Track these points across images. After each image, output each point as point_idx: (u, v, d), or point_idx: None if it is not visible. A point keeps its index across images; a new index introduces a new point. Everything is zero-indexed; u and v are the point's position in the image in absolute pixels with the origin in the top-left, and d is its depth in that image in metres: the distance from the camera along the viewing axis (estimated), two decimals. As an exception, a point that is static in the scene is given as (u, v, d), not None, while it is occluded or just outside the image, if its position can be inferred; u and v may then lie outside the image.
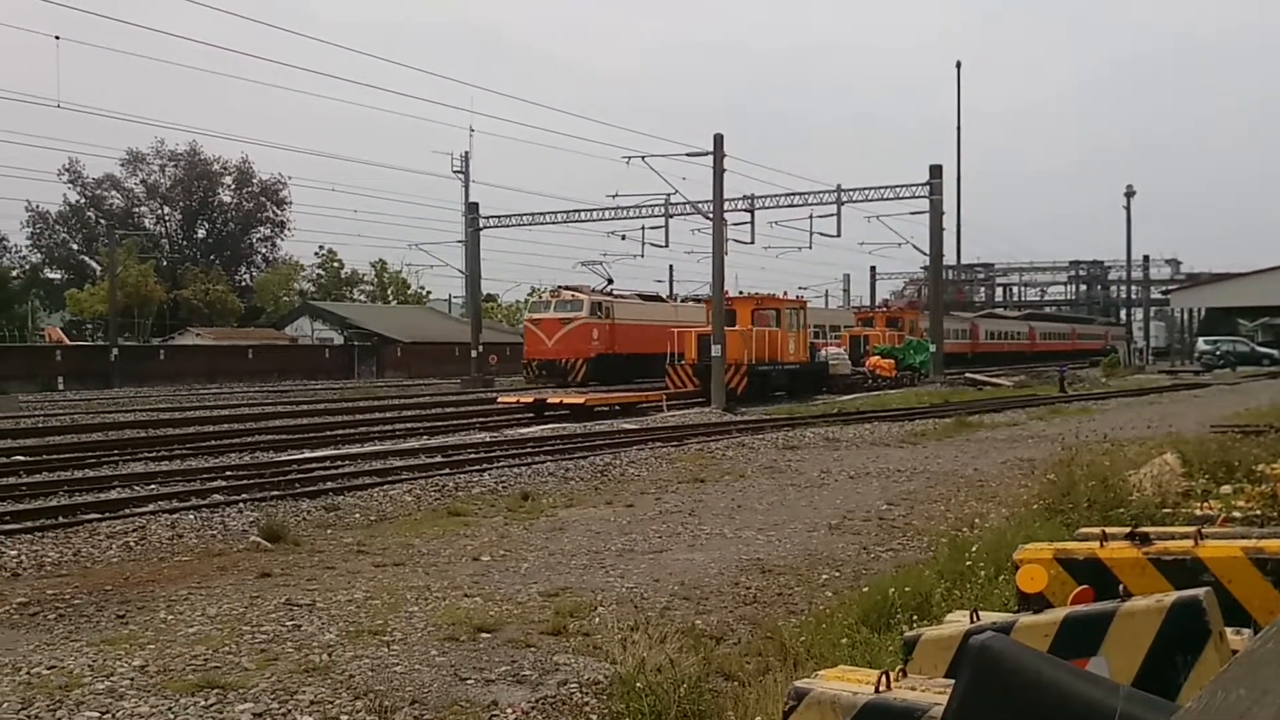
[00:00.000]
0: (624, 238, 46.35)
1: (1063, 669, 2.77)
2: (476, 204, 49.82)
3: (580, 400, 27.06)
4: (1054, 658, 2.94)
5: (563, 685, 5.84)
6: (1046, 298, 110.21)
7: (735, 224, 38.21)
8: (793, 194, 42.53)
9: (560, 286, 43.46)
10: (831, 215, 42.58)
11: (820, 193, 42.58)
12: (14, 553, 9.60)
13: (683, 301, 50.02)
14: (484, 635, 6.80)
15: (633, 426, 22.97)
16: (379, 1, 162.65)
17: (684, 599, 7.80)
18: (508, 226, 48.63)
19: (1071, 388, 37.67)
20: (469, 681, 5.91)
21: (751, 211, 40.80)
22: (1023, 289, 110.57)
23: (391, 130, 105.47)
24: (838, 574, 8.70)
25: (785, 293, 37.86)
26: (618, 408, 27.94)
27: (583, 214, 46.21)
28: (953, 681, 2.90)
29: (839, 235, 42.98)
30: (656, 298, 47.59)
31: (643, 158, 32.77)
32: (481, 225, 48.57)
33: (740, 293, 37.77)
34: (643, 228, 45.03)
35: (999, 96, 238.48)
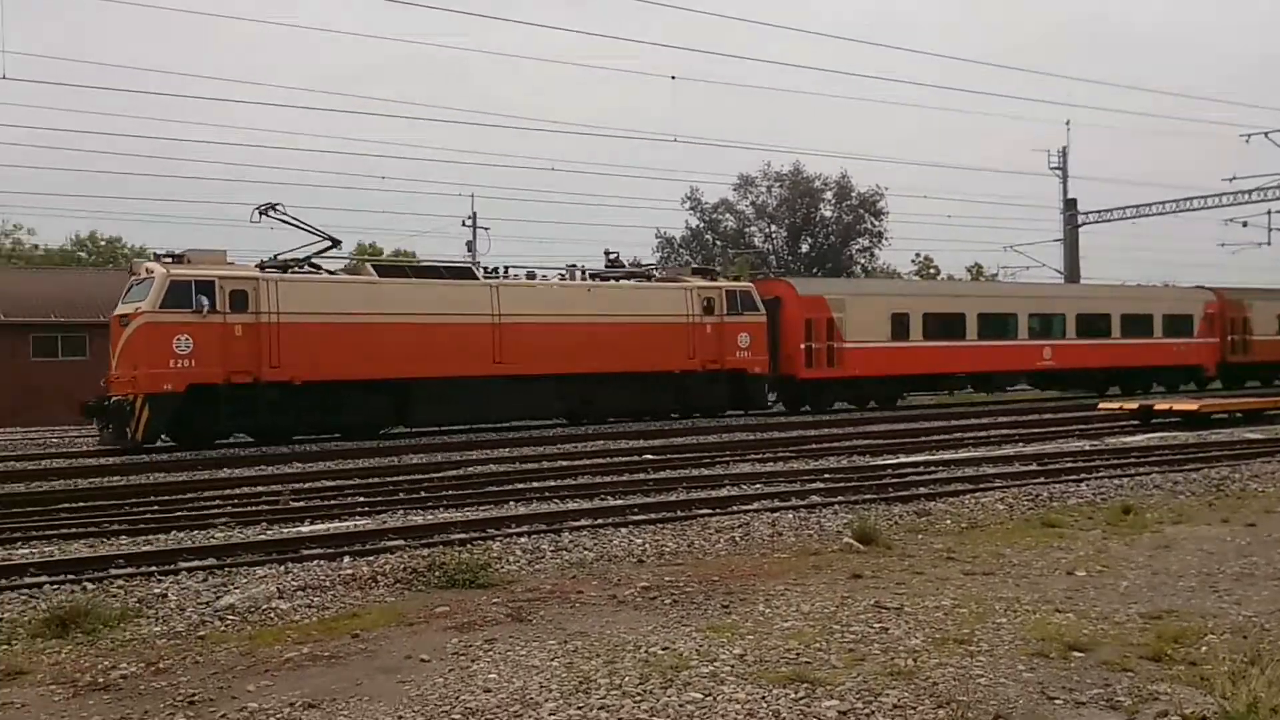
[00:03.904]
0: (1245, 224, 41.79)
1: None
2: (1074, 200, 47.60)
3: (1193, 407, 24.73)
4: None
5: (1160, 716, 5.41)
6: None
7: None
8: None
9: (156, 254, 24.40)
10: None
11: None
12: (639, 541, 10.77)
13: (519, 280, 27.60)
14: (1075, 654, 6.49)
15: (1257, 436, 20.60)
16: (980, 6, 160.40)
17: (1315, 634, 6.87)
18: (1108, 221, 45.90)
19: None
20: (1057, 701, 5.68)
21: None
22: None
23: (984, 131, 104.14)
24: None
25: None
26: (1239, 415, 25.13)
27: (1193, 201, 42.38)
28: None
29: None
30: (465, 272, 27.25)
31: (1265, 134, 29.32)
32: (1080, 222, 46.29)
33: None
34: (1268, 212, 40.33)
35: None
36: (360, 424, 24.29)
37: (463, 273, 26.74)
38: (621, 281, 29.37)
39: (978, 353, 34.16)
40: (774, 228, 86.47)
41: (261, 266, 24.47)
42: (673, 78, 37.92)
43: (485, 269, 27.92)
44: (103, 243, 56.65)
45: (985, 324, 34.60)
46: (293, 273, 24.43)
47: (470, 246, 56.12)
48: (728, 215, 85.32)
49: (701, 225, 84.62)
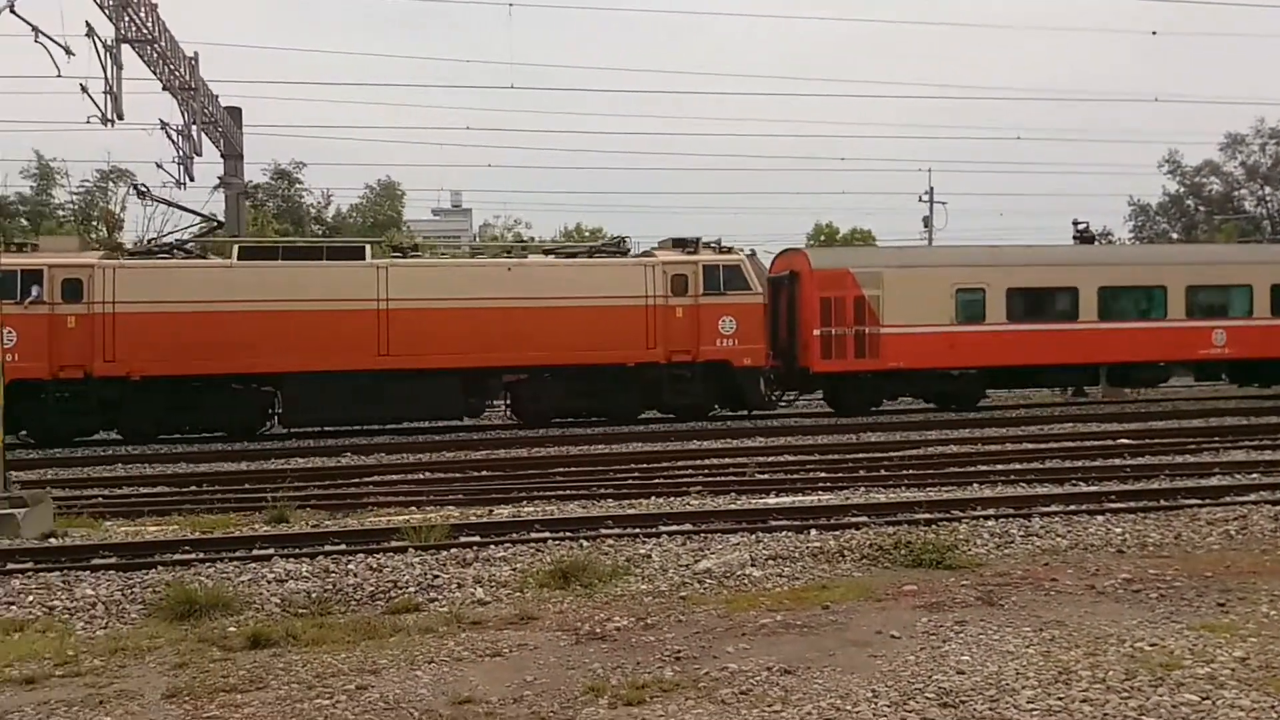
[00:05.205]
0: None
1: None
2: None
3: None
4: None
5: None
6: None
7: None
8: None
9: (15, 243, 23.48)
10: None
11: None
12: (1119, 530, 10.16)
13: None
14: None
15: None
16: None
17: None
18: None
19: None
20: None
21: None
22: None
23: None
24: None
25: None
26: None
27: None
28: None
29: None
30: (351, 252, 23.32)
31: None
32: None
33: None
34: None
35: None
36: (227, 424, 21.91)
37: (348, 253, 23.24)
38: (556, 259, 24.47)
39: (1100, 338, 26.16)
40: (1268, 190, 77.74)
41: (128, 253, 23.24)
42: (1154, 33, 34.85)
43: (396, 246, 24.92)
44: (586, 233, 61.56)
45: (1113, 300, 26.60)
46: (156, 258, 22.52)
47: (926, 222, 55.26)
48: (1212, 178, 77.77)
49: (1182, 190, 77.80)
